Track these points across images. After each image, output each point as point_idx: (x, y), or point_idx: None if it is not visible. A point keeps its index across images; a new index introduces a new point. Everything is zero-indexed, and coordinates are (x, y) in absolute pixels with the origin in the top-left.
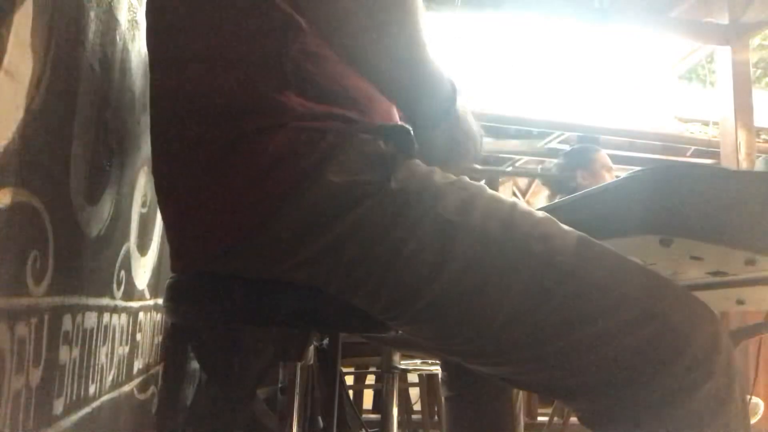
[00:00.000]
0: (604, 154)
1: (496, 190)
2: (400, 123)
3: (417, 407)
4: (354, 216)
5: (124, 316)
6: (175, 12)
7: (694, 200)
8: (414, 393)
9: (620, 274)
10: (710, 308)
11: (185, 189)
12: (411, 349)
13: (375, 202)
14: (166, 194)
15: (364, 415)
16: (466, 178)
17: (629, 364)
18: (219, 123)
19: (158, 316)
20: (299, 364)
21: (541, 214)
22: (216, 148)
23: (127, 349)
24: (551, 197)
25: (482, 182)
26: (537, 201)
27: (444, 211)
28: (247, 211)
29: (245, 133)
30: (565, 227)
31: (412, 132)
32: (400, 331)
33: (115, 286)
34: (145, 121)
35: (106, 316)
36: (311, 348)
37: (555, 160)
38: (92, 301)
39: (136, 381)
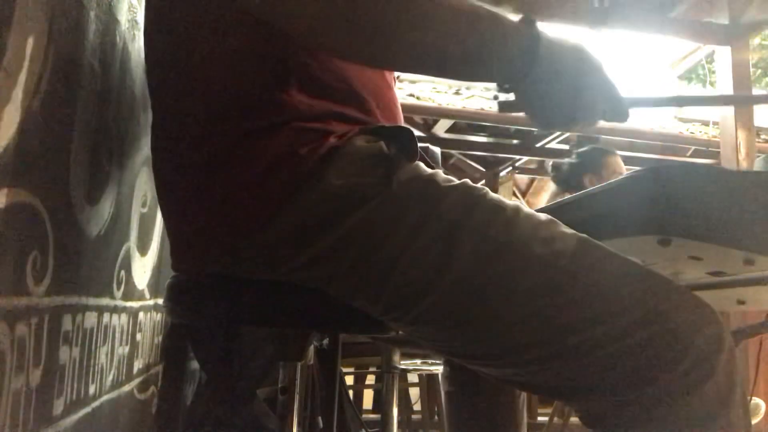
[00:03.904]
0: (617, 160)
1: (496, 190)
2: (403, 124)
3: (417, 407)
4: (355, 218)
5: (124, 316)
6: (174, 8)
7: (693, 200)
8: (414, 393)
9: (622, 277)
10: (712, 308)
11: (186, 188)
12: (414, 348)
13: (376, 205)
14: (166, 193)
15: (364, 415)
16: (469, 181)
17: (631, 365)
18: (220, 121)
19: (158, 316)
20: (299, 364)
21: (543, 216)
22: (217, 147)
23: (127, 349)
24: (556, 195)
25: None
26: (537, 201)
27: (446, 214)
28: (245, 213)
29: (247, 132)
30: (568, 230)
31: (413, 132)
32: (400, 332)
33: (115, 286)
34: (146, 120)
35: (106, 316)
36: (311, 348)
37: (567, 159)
38: (92, 301)
39: (136, 381)
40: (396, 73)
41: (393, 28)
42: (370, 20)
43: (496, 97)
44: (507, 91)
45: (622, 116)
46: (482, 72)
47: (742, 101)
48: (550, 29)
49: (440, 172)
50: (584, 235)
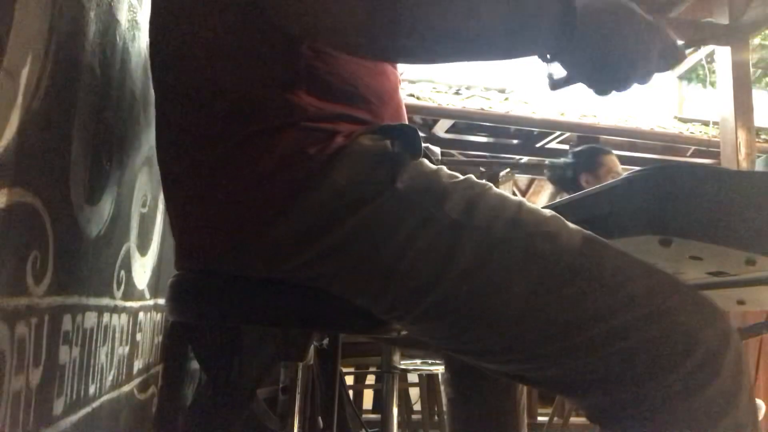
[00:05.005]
0: (613, 159)
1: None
2: (407, 123)
3: (417, 407)
4: (360, 216)
5: (124, 316)
6: (183, 7)
7: (693, 200)
8: (414, 393)
9: (627, 273)
10: (719, 306)
11: (193, 186)
12: (414, 348)
13: (381, 203)
14: (173, 190)
15: (364, 415)
16: (473, 177)
17: (637, 362)
18: (229, 121)
19: (158, 316)
20: (300, 364)
21: (547, 212)
22: (225, 145)
23: (127, 349)
24: (554, 195)
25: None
26: (538, 201)
27: (450, 211)
28: (253, 210)
29: (255, 131)
30: (572, 225)
31: (418, 131)
32: (402, 332)
33: (115, 286)
34: (146, 120)
35: (106, 316)
36: (311, 348)
37: (562, 159)
38: (92, 301)
39: (136, 381)
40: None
41: (428, 22)
42: (403, 17)
43: (550, 77)
44: (550, 60)
45: (679, 59)
46: (523, 47)
47: None
48: None
49: (444, 169)
50: (589, 232)
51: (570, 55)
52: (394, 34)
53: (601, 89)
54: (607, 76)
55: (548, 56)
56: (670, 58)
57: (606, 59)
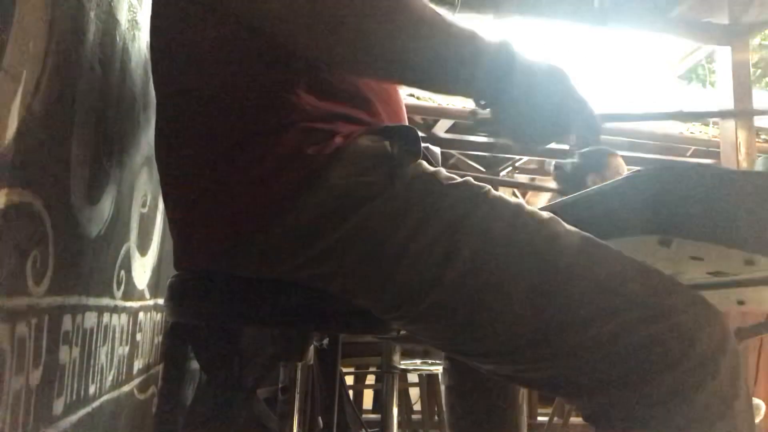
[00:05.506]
0: (619, 160)
1: (496, 190)
2: (406, 124)
3: (417, 407)
4: (359, 217)
5: (124, 316)
6: (182, 8)
7: (693, 200)
8: (414, 393)
9: (626, 274)
10: (716, 308)
11: (192, 186)
12: (414, 345)
13: (380, 203)
14: (171, 189)
15: (364, 415)
16: (471, 179)
17: (635, 363)
18: (229, 120)
19: (158, 316)
20: (300, 364)
21: (546, 214)
22: (224, 145)
23: (127, 349)
24: (554, 195)
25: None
26: (538, 201)
27: (449, 212)
28: (252, 211)
29: (254, 132)
30: (570, 227)
31: (418, 132)
32: (401, 332)
33: (115, 286)
34: (146, 120)
35: (106, 316)
36: (311, 348)
37: (569, 160)
38: (92, 301)
39: (136, 381)
40: None
41: (374, 37)
42: (350, 27)
43: (473, 113)
44: (483, 107)
45: (595, 134)
46: (458, 89)
47: (732, 114)
48: (549, 29)
49: (443, 170)
50: (587, 234)
51: (499, 106)
52: (349, 47)
53: (517, 141)
54: (526, 131)
55: (481, 102)
56: (588, 132)
57: (531, 118)
